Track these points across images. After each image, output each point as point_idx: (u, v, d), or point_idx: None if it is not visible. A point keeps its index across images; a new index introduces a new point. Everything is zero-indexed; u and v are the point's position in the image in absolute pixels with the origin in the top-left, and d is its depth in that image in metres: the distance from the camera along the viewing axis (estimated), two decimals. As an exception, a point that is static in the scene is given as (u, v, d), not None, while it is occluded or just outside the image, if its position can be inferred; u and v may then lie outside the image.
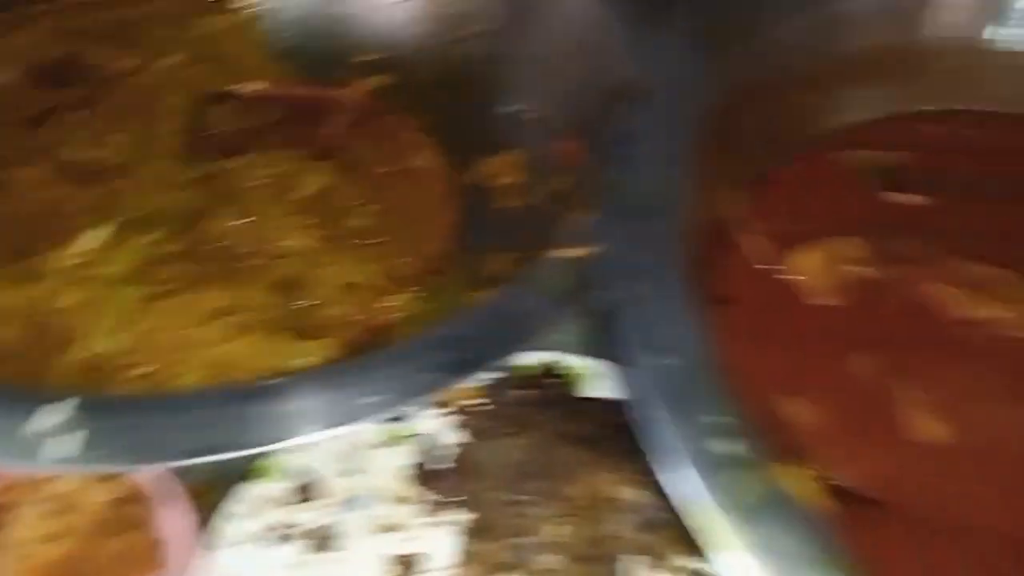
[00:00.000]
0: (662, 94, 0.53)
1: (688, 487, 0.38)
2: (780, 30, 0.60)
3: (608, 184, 0.48)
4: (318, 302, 0.57)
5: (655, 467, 0.39)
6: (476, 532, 0.50)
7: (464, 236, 0.66)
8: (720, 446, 0.39)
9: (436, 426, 0.54)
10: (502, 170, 0.66)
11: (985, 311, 0.57)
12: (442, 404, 0.54)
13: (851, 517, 0.49)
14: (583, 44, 0.60)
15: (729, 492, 0.37)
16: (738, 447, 0.39)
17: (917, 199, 0.64)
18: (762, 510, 0.37)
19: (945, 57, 0.68)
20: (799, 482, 0.40)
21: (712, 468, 0.38)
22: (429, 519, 0.51)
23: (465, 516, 0.51)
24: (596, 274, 0.46)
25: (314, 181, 0.64)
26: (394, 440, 0.53)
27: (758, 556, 0.36)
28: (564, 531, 0.49)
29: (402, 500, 0.51)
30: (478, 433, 0.53)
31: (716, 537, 0.36)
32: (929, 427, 0.52)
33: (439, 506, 0.51)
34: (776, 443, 0.50)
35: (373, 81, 0.72)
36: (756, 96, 0.62)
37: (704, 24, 0.57)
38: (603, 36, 0.58)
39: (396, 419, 0.53)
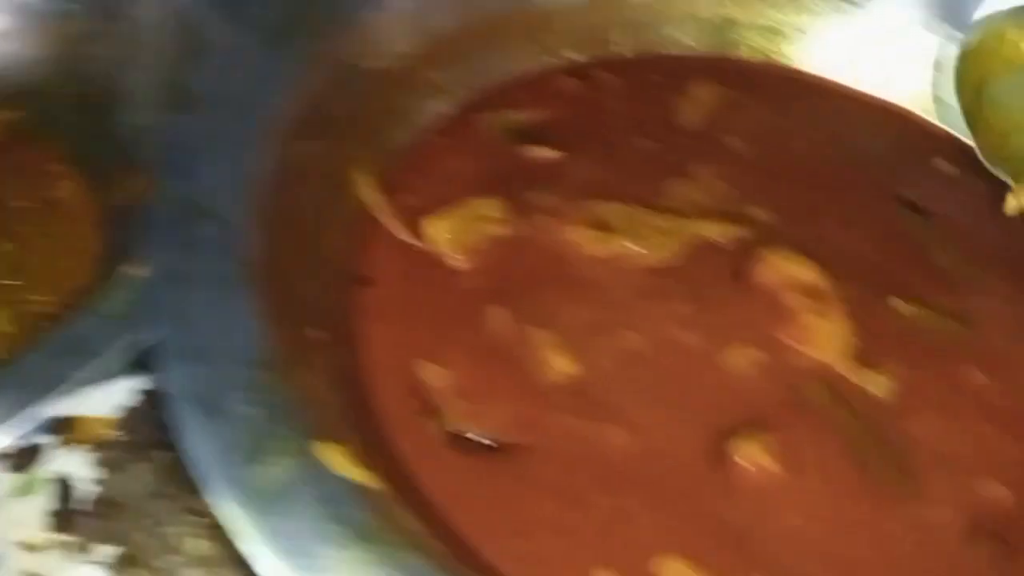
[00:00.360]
0: (229, 96, 0.53)
1: (212, 482, 0.38)
2: (378, 15, 0.61)
3: (161, 195, 0.47)
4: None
5: (188, 468, 0.39)
6: (123, 564, 0.49)
7: (114, 263, 0.63)
8: (245, 439, 0.39)
9: (72, 466, 0.52)
10: (147, 188, 0.64)
11: (615, 247, 0.61)
12: (77, 442, 0.52)
13: (492, 468, 0.50)
14: (174, 51, 0.59)
15: (248, 483, 0.37)
16: (267, 436, 0.40)
17: (554, 152, 0.66)
18: (283, 496, 0.38)
19: (568, 13, 0.72)
20: (338, 460, 0.41)
21: (233, 461, 0.38)
22: (74, 562, 0.49)
23: (111, 550, 0.49)
24: (147, 287, 0.45)
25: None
26: (26, 489, 0.51)
27: (275, 544, 0.36)
28: (204, 544, 0.48)
29: (42, 548, 0.49)
30: (114, 465, 0.51)
31: (238, 528, 0.37)
32: (559, 365, 0.54)
33: (83, 546, 0.49)
34: (407, 409, 0.52)
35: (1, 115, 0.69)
36: (372, 76, 0.63)
37: (287, 16, 0.58)
38: (186, 41, 0.57)
39: (25, 466, 0.51)
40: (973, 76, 0.64)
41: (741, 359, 0.55)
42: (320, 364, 0.50)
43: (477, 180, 0.64)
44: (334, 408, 0.46)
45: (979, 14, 0.61)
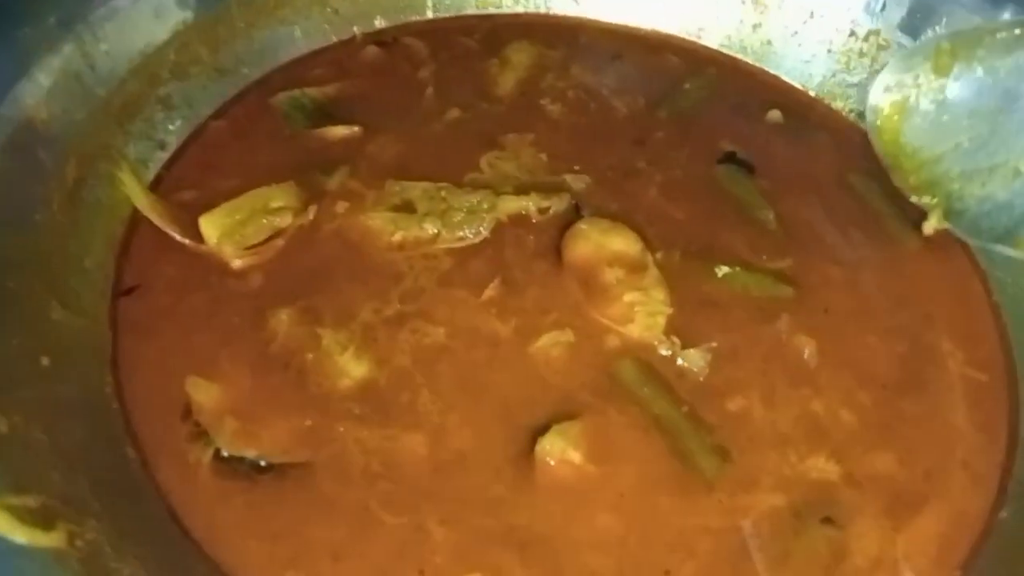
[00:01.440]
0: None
1: None
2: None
3: None
4: None
5: None
6: None
7: None
8: None
9: None
10: None
11: (417, 231, 0.55)
12: None
13: (267, 493, 0.44)
14: None
15: None
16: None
17: (352, 130, 0.60)
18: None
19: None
20: (8, 521, 0.34)
21: None
22: None
23: None
24: None
25: None
26: None
27: None
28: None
29: None
30: None
31: None
32: (350, 369, 0.48)
33: None
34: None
35: None
36: (129, 60, 0.55)
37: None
38: None
39: None
40: (889, 127, 0.60)
41: (552, 346, 0.50)
42: (54, 396, 0.43)
43: (266, 168, 0.57)
44: (50, 449, 0.39)
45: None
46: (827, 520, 0.45)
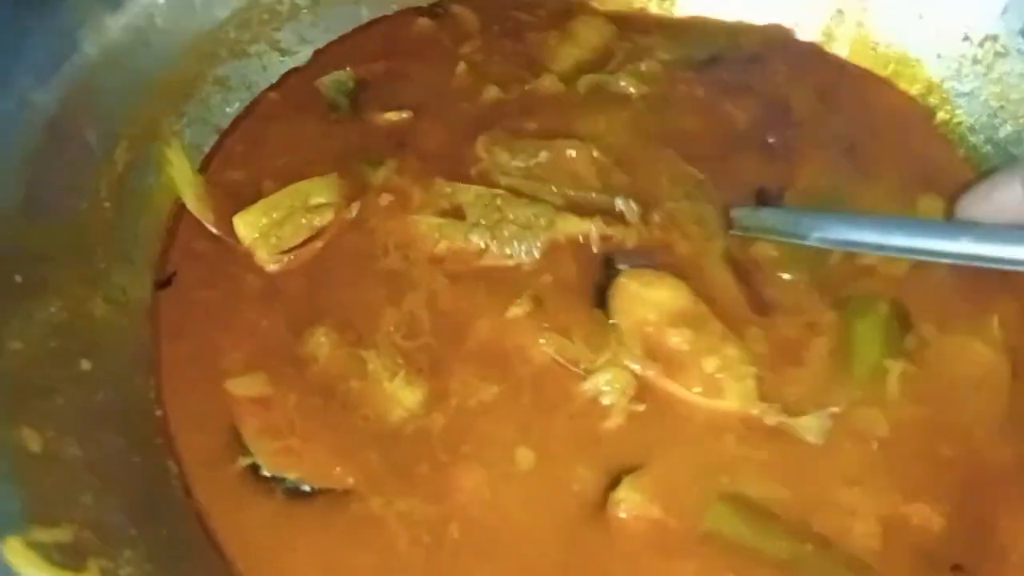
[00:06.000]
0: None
1: None
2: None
3: None
4: None
5: None
6: None
7: None
8: None
9: None
10: None
11: (460, 242, 0.50)
12: None
13: (313, 516, 0.42)
14: None
15: None
16: None
17: (401, 115, 0.56)
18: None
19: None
20: (29, 557, 0.32)
21: None
22: None
23: None
24: None
25: None
26: None
27: None
28: None
29: None
30: None
31: None
32: (399, 396, 0.46)
33: None
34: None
35: None
36: (178, 37, 0.52)
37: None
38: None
39: None
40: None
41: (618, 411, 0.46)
42: (92, 404, 0.41)
43: (309, 155, 0.54)
44: (84, 466, 0.37)
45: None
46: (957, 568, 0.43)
